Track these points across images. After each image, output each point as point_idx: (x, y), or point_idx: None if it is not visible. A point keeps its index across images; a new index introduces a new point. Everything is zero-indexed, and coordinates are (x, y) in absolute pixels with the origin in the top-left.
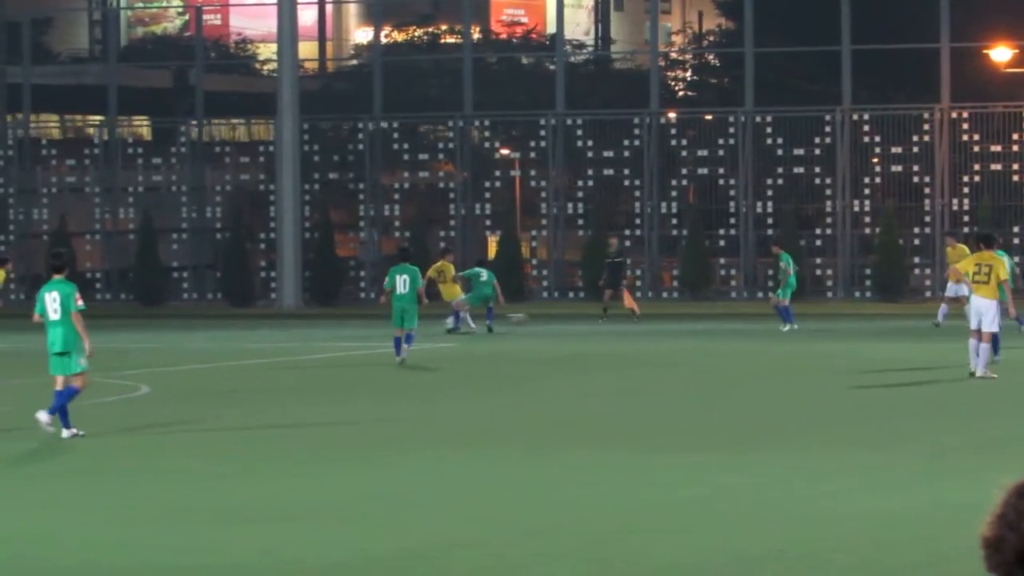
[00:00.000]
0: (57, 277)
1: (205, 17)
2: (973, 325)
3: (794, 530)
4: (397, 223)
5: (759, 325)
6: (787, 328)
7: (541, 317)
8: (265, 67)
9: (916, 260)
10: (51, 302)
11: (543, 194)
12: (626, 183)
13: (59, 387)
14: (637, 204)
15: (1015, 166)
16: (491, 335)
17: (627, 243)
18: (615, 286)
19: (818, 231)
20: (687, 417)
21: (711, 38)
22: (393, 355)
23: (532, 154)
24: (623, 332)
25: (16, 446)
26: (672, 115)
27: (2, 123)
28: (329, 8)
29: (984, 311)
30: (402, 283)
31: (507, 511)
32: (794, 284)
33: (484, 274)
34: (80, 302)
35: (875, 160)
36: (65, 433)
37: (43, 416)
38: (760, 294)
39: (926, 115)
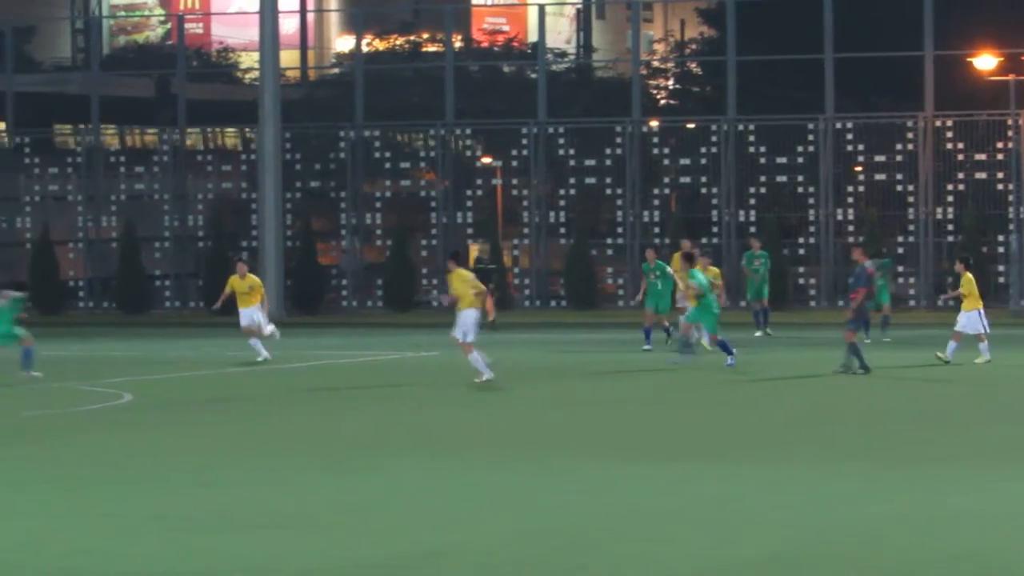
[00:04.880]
0: None
1: (187, 26)
2: (473, 337)
3: (778, 538)
4: (379, 231)
5: (741, 333)
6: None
7: (523, 326)
8: (247, 75)
9: (900, 269)
10: None
11: (525, 202)
12: (608, 192)
13: None
14: (619, 213)
15: (999, 175)
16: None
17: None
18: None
19: (801, 240)
20: (669, 426)
21: (693, 46)
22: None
23: (514, 162)
24: (604, 341)
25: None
26: (654, 123)
27: None
28: (311, 17)
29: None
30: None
31: (488, 519)
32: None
33: (660, 276)
34: None
35: (858, 169)
36: None
37: None
38: (743, 303)
39: (910, 123)
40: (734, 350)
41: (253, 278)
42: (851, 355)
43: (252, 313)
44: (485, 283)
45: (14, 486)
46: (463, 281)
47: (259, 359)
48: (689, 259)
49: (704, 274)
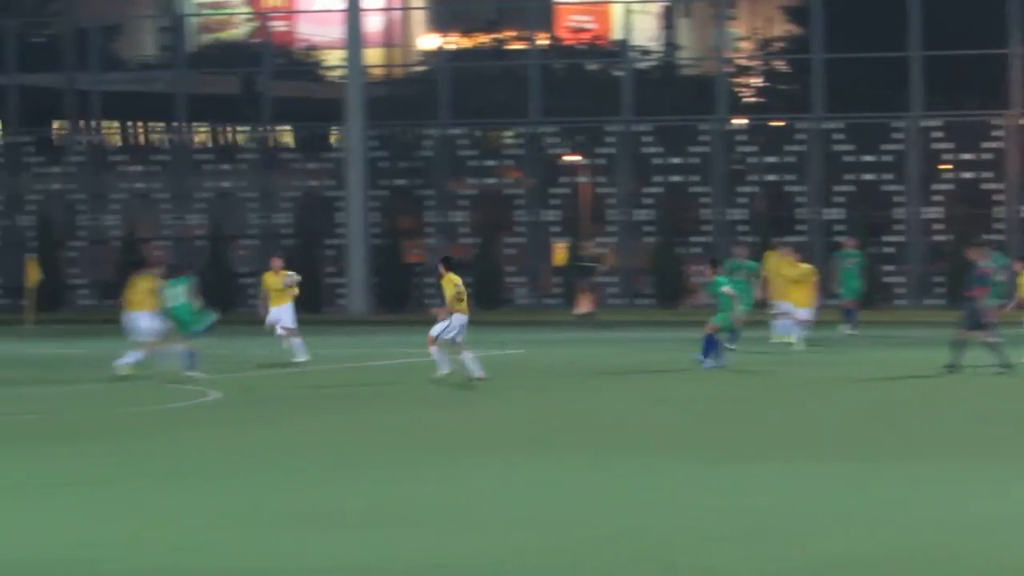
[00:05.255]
0: None
1: (272, 24)
2: (460, 339)
3: (868, 537)
4: (464, 230)
5: (827, 332)
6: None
7: (609, 324)
8: (332, 73)
9: None
10: None
11: (610, 201)
12: (693, 190)
13: None
14: (704, 211)
15: None
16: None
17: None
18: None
19: (887, 239)
20: (757, 425)
21: (779, 44)
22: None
23: (599, 160)
24: (691, 340)
25: (92, 451)
26: (739, 122)
27: (72, 130)
28: (396, 14)
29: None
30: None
31: (575, 518)
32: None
33: (727, 284)
34: None
35: (945, 167)
36: None
37: None
38: (829, 301)
39: (997, 121)
40: (719, 357)
41: (287, 274)
42: (954, 350)
43: (280, 313)
44: (585, 279)
45: (109, 483)
46: (452, 286)
47: (300, 359)
48: (714, 264)
49: (791, 271)
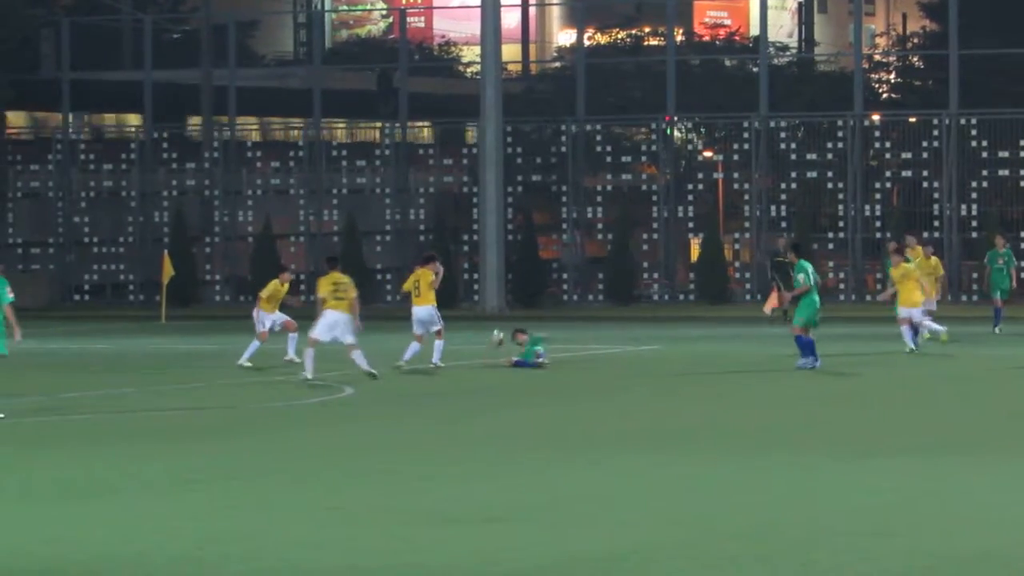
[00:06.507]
0: None
1: (409, 20)
2: (327, 338)
3: (1003, 533)
4: (600, 225)
5: (966, 328)
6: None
7: (743, 320)
8: (468, 69)
9: None
10: None
11: (746, 196)
12: (829, 185)
13: None
14: (840, 207)
15: None
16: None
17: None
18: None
19: None
20: (892, 421)
21: (915, 40)
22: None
23: (735, 156)
24: (824, 336)
25: (223, 447)
26: (876, 117)
27: (208, 125)
28: (532, 11)
29: (345, 323)
30: None
31: (709, 514)
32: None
33: (804, 274)
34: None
35: None
36: None
37: None
38: (964, 297)
39: None
40: (814, 357)
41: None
42: None
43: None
44: (784, 276)
45: (237, 479)
46: (329, 284)
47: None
48: (796, 250)
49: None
